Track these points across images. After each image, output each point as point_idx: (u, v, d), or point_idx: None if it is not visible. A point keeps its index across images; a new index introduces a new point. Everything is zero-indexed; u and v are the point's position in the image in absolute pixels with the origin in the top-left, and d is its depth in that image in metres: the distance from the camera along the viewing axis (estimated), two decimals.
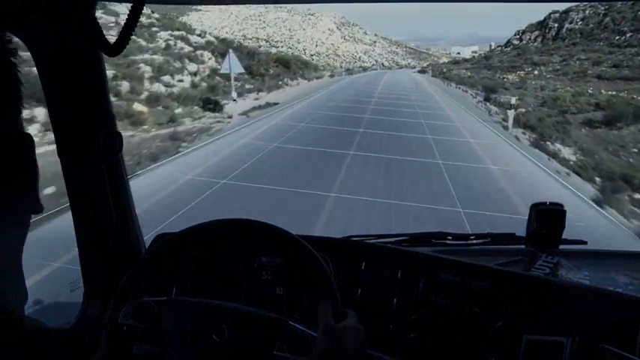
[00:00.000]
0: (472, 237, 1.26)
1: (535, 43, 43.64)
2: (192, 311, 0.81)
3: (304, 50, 54.82)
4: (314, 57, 53.89)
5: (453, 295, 0.97)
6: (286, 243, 0.88)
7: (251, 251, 1.02)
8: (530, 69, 39.32)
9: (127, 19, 0.74)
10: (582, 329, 0.88)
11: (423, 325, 0.97)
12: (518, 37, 46.34)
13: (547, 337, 0.90)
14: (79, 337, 1.05)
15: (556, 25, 42.89)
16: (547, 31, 43.88)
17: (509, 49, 46.25)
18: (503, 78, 38.08)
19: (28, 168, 0.51)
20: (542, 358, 0.89)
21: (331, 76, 46.92)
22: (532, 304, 0.93)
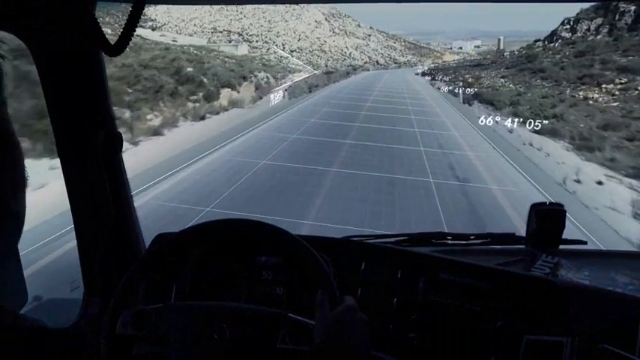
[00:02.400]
0: (472, 237, 1.26)
1: (600, 36, 26.66)
2: (192, 314, 0.81)
3: (283, 45, 44.77)
4: (294, 53, 43.84)
5: (452, 295, 0.97)
6: (286, 243, 0.88)
7: (251, 251, 1.02)
8: (625, 80, 21.62)
9: (127, 19, 0.74)
10: (582, 329, 0.88)
11: (423, 325, 0.97)
12: (568, 27, 29.89)
13: (547, 337, 0.90)
14: (78, 336, 1.05)
15: (632, 8, 25.06)
16: (616, 18, 26.55)
17: (556, 44, 29.38)
18: (586, 99, 21.16)
19: (16, 170, 0.51)
20: (542, 358, 0.89)
21: (291, 93, 23.08)
22: (532, 304, 0.93)
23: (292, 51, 45.57)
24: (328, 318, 0.72)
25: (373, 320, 0.77)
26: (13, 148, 0.51)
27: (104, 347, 0.79)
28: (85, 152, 1.00)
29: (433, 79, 35.68)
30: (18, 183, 0.51)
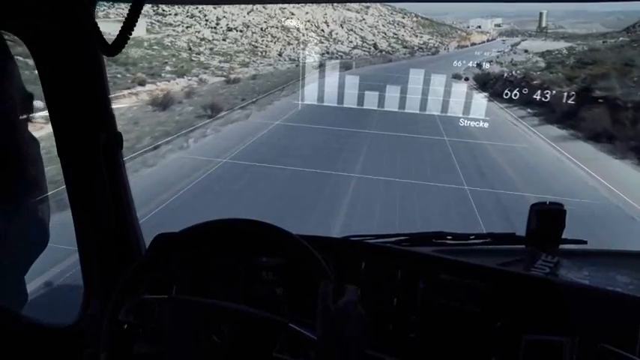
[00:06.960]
0: (472, 237, 1.26)
1: None
2: (192, 310, 0.81)
3: (218, 20, 27.67)
4: (231, 33, 27.37)
5: (453, 295, 0.97)
6: (286, 243, 0.88)
7: (251, 251, 1.02)
8: None
9: (125, 19, 0.74)
10: (582, 329, 0.88)
11: (423, 325, 0.97)
12: None
13: (547, 337, 0.90)
14: (78, 336, 1.05)
15: None
16: None
17: None
18: None
19: (33, 171, 0.51)
20: (542, 358, 0.89)
21: None
22: (532, 304, 0.93)
23: (230, 29, 27.22)
24: (328, 315, 0.71)
25: (373, 320, 0.77)
26: (31, 151, 0.51)
27: (105, 343, 0.79)
28: (85, 152, 1.00)
29: None
30: (20, 186, 0.51)
